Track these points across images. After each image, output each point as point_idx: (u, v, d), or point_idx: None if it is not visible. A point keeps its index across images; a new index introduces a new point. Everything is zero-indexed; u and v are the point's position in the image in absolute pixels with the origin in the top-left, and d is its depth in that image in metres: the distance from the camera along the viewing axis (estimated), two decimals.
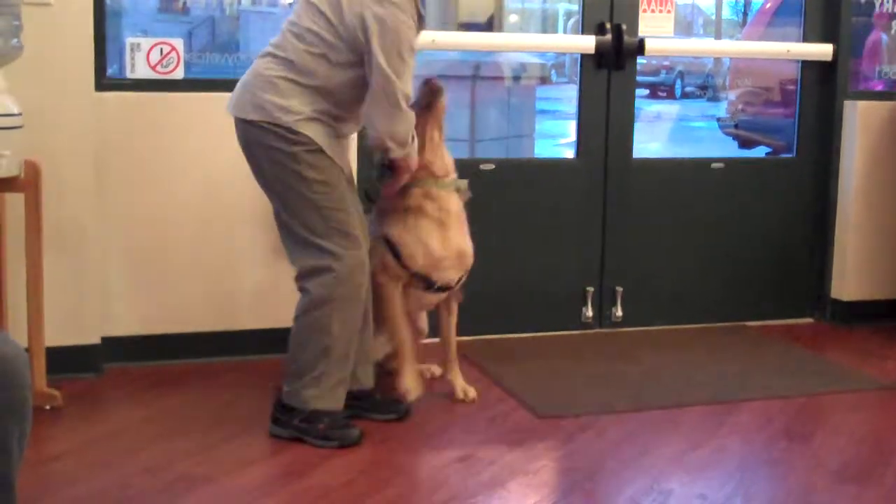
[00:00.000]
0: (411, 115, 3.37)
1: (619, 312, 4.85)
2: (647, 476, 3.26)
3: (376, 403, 3.66)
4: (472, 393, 3.86)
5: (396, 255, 3.66)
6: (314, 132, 3.32)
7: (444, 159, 3.73)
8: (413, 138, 3.43)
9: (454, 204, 3.72)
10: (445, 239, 3.67)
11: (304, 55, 3.31)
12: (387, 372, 3.83)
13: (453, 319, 3.86)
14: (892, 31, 5.19)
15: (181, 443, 3.41)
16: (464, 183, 3.79)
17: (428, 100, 3.68)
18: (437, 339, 3.96)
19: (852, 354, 4.66)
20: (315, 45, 3.31)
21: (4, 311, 3.82)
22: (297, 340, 3.45)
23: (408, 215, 3.67)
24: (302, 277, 3.42)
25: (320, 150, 3.33)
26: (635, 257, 4.89)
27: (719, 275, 5.04)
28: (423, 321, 4.05)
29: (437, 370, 4.04)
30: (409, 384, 3.70)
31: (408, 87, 3.31)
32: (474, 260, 3.75)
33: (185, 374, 4.10)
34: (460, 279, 3.77)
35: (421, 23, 3.40)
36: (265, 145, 3.35)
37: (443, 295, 3.81)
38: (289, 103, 3.30)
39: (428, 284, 3.72)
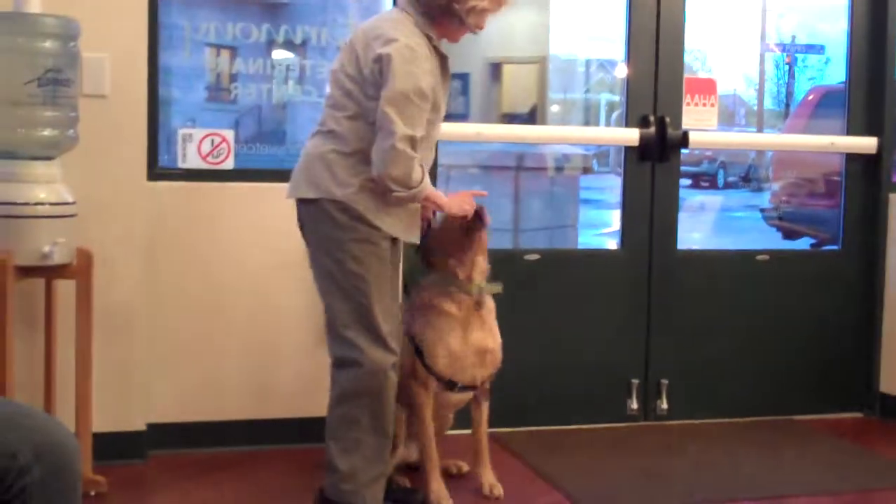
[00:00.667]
0: (408, 157, 3.19)
1: (665, 405, 4.81)
2: None
3: (391, 492, 3.60)
4: (498, 490, 3.73)
5: (419, 353, 3.62)
6: (365, 204, 3.29)
7: (473, 270, 3.64)
8: (421, 180, 3.26)
9: (478, 305, 3.65)
10: (465, 337, 3.61)
11: (343, 121, 3.32)
12: (413, 467, 3.80)
13: (484, 415, 3.77)
14: None
15: None
16: (496, 287, 3.71)
17: (471, 228, 3.60)
18: (465, 431, 3.91)
19: None
20: (349, 108, 3.31)
21: (53, 396, 3.86)
22: (330, 434, 3.41)
23: (430, 312, 3.63)
24: (334, 366, 3.42)
25: (369, 230, 3.30)
26: (680, 349, 4.87)
27: (765, 367, 4.99)
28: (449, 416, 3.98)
29: (464, 466, 3.96)
30: (440, 492, 3.62)
31: (413, 130, 3.20)
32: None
33: (230, 462, 4.10)
34: (486, 379, 3.72)
35: (444, 63, 3.38)
36: (316, 225, 3.37)
37: (468, 394, 3.75)
38: (338, 175, 3.29)
39: (450, 385, 3.66)
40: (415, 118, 3.21)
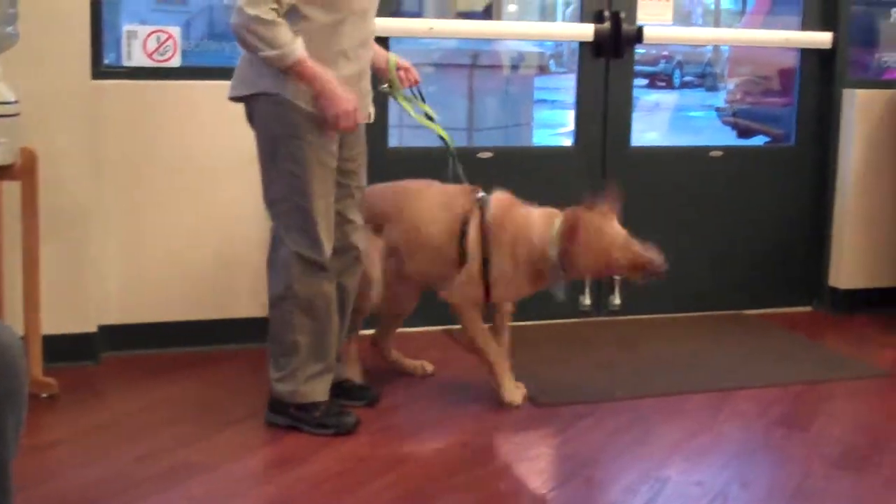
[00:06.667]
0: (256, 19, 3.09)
1: (617, 300, 4.82)
2: (645, 463, 3.26)
3: (346, 390, 3.66)
4: (429, 367, 3.96)
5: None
6: (295, 89, 3.22)
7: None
8: (287, 42, 3.12)
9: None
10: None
11: None
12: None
13: (505, 323, 3.85)
14: (892, 19, 5.17)
15: (178, 431, 3.42)
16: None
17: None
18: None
19: (850, 342, 4.67)
20: None
21: (1, 299, 3.81)
22: (270, 334, 3.45)
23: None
24: (269, 263, 3.43)
25: (308, 124, 3.23)
26: None
27: (717, 263, 5.03)
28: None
29: (429, 367, 4.01)
30: (512, 396, 3.69)
31: None
32: None
33: (183, 363, 4.09)
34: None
35: None
36: (255, 123, 3.35)
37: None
38: (262, 68, 3.22)
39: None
40: None
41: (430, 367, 4.01)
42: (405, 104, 3.72)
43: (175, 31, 4.16)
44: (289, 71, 3.17)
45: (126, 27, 4.11)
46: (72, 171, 3.93)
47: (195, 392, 3.82)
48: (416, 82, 3.73)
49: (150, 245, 4.17)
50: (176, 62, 4.16)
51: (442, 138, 3.75)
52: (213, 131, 4.14)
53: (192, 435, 3.38)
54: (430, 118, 3.75)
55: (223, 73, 3.92)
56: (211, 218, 4.21)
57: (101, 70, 4.04)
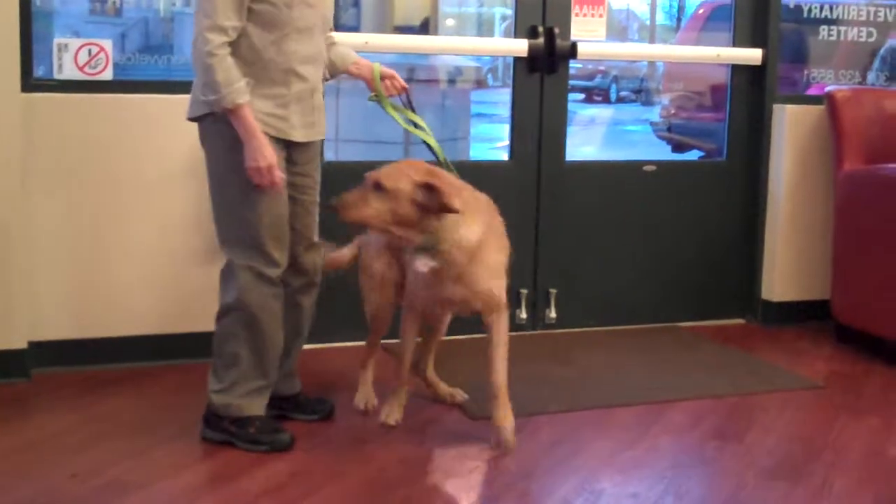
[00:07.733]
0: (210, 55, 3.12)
1: (553, 314, 4.86)
2: (579, 476, 3.28)
3: (300, 404, 3.66)
4: (459, 396, 3.88)
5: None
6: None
7: None
8: (229, 84, 3.13)
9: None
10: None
11: None
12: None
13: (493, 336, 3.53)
14: (821, 37, 5.27)
15: (111, 448, 3.37)
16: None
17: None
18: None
19: (782, 354, 4.72)
20: None
21: None
22: (214, 346, 3.43)
23: None
24: (220, 276, 3.41)
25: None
26: (568, 259, 4.91)
27: (651, 276, 5.07)
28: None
29: (459, 396, 3.88)
30: (389, 411, 3.64)
31: (214, 18, 3.11)
32: None
33: (116, 379, 4.04)
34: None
35: None
36: (204, 145, 3.34)
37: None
38: None
39: None
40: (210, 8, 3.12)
41: (459, 397, 3.88)
42: (393, 114, 3.66)
43: (107, 43, 4.12)
44: (225, 113, 3.17)
45: (57, 40, 4.07)
46: (1, 184, 3.87)
47: (128, 409, 3.77)
48: (404, 89, 3.67)
49: (81, 260, 4.12)
50: (108, 75, 4.12)
51: (430, 147, 3.63)
52: (144, 145, 4.10)
53: (126, 452, 3.34)
54: (418, 127, 3.66)
55: (155, 86, 3.92)
56: (143, 233, 4.17)
57: (31, 83, 3.99)
